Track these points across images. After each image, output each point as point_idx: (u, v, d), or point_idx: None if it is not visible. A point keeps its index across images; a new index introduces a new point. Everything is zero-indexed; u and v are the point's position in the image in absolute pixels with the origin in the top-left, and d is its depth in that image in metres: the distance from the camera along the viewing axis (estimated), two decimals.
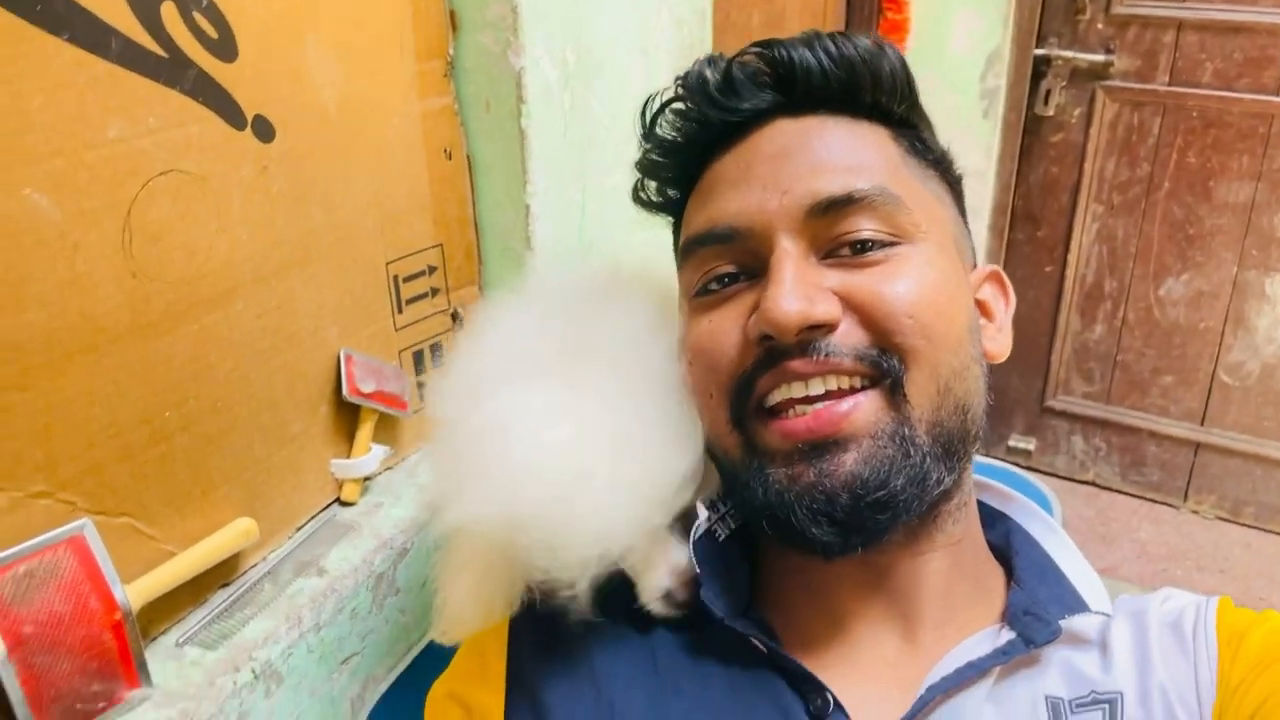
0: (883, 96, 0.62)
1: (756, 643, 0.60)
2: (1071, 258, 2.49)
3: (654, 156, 0.68)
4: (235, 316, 0.82)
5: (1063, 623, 0.58)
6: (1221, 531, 2.52)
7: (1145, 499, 2.63)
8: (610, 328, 0.66)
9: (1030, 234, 2.52)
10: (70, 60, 0.67)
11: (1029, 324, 2.53)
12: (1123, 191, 2.40)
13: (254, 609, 0.83)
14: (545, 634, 0.66)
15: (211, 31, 0.75)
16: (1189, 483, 2.57)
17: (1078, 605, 0.61)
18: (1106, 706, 0.55)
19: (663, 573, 0.61)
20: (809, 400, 0.55)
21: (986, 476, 0.71)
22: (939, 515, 0.61)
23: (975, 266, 0.67)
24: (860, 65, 0.61)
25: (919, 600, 0.61)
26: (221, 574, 0.85)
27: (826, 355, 0.54)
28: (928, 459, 0.55)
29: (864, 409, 0.54)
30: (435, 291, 1.05)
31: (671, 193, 0.69)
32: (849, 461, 0.53)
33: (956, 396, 0.57)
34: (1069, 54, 2.30)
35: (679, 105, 0.65)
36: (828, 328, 0.55)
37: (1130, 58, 2.28)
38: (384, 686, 0.93)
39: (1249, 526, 2.52)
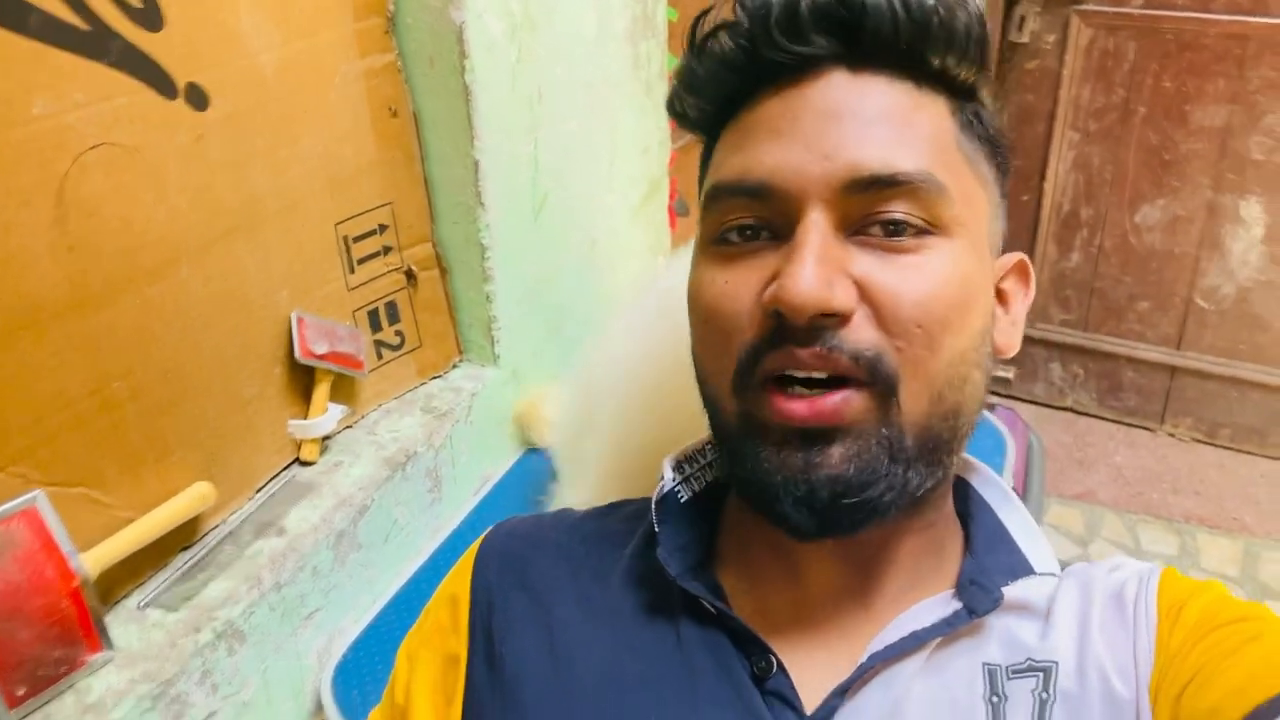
0: (951, 60, 0.57)
1: (705, 603, 0.61)
2: (1048, 186, 2.48)
3: (697, 72, 0.62)
4: (179, 286, 0.83)
5: (1005, 590, 0.58)
6: (1197, 454, 2.55)
7: (1122, 423, 2.66)
8: None
9: None
10: None
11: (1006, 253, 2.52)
12: (1099, 118, 2.38)
13: (214, 570, 0.86)
14: (508, 584, 0.68)
15: (135, 0, 0.75)
16: (1165, 406, 2.60)
17: (1022, 570, 0.61)
18: (1041, 675, 0.56)
19: None
20: (809, 383, 0.54)
21: None
22: (918, 503, 0.60)
23: (1002, 251, 0.65)
24: (935, 20, 0.56)
25: (883, 575, 0.61)
26: (182, 537, 0.87)
27: (829, 349, 0.53)
28: (911, 465, 0.55)
29: (854, 404, 0.53)
30: (388, 250, 1.05)
31: (707, 110, 0.63)
32: (835, 457, 0.53)
33: (949, 404, 0.56)
34: None
35: (733, 29, 0.59)
36: (840, 318, 0.53)
37: None
38: (351, 638, 0.96)
39: (1224, 448, 2.55)
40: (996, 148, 0.61)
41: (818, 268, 0.52)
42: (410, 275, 1.08)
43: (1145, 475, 2.51)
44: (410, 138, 1.05)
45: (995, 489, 0.68)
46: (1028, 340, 2.67)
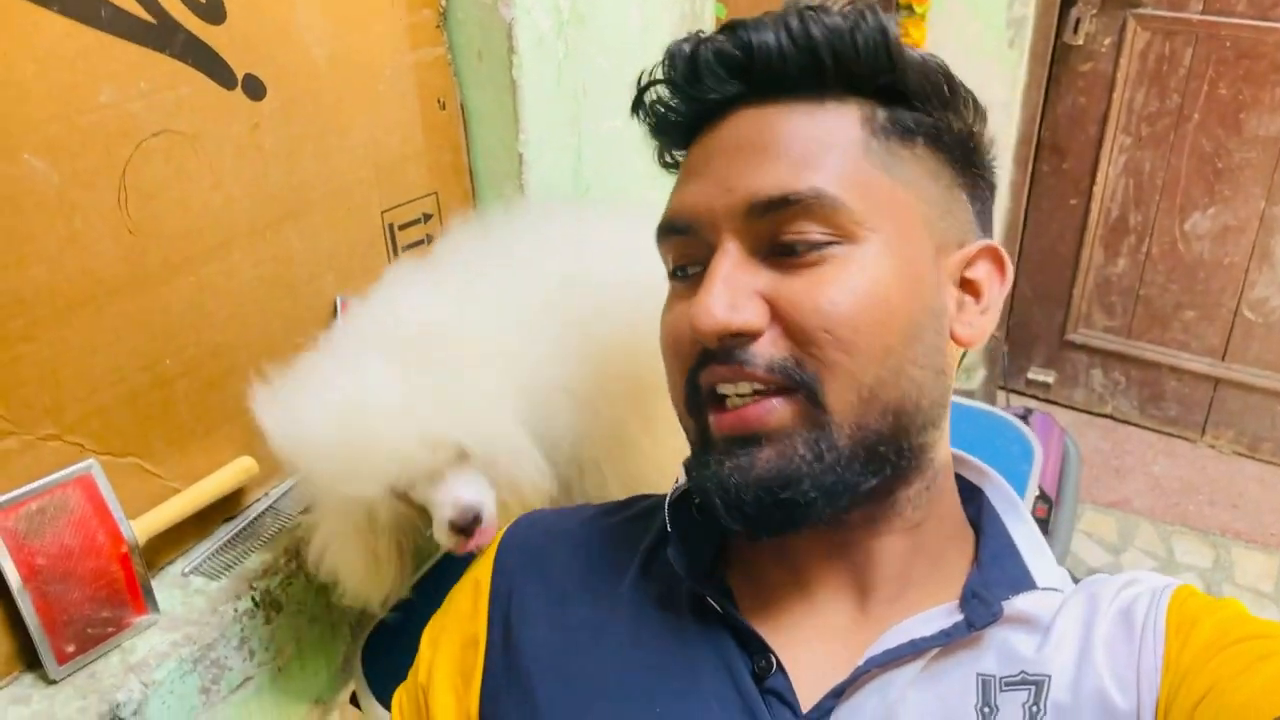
0: (853, 72, 0.60)
1: (711, 602, 0.64)
2: (1097, 190, 2.45)
3: (650, 128, 0.68)
4: (231, 268, 0.86)
5: (1005, 604, 0.60)
6: (1237, 467, 2.53)
7: (1162, 433, 2.64)
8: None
9: (1056, 165, 2.49)
10: (61, 31, 0.70)
11: (1052, 257, 2.51)
12: (1151, 123, 2.35)
13: (255, 542, 0.89)
14: (528, 573, 0.71)
15: None
16: (1207, 418, 2.57)
17: (1025, 584, 0.62)
18: (1033, 687, 0.57)
19: (447, 506, 0.78)
20: (740, 396, 0.59)
21: (979, 418, 0.70)
22: (896, 500, 0.62)
23: (977, 237, 0.65)
24: (823, 46, 0.59)
25: (875, 576, 0.63)
26: (225, 509, 0.91)
27: (741, 364, 0.57)
28: (845, 464, 0.57)
29: (777, 412, 0.57)
30: (431, 238, 1.08)
31: (680, 155, 0.69)
32: (761, 460, 0.57)
33: (884, 402, 0.58)
34: None
35: (663, 85, 0.65)
36: (749, 336, 0.58)
37: None
38: (382, 613, 0.99)
39: (1265, 462, 2.52)
40: (935, 136, 0.62)
41: (723, 292, 0.57)
42: None
43: (1183, 486, 2.48)
44: (457, 129, 1.07)
45: (1007, 502, 0.69)
46: (1069, 345, 2.67)
